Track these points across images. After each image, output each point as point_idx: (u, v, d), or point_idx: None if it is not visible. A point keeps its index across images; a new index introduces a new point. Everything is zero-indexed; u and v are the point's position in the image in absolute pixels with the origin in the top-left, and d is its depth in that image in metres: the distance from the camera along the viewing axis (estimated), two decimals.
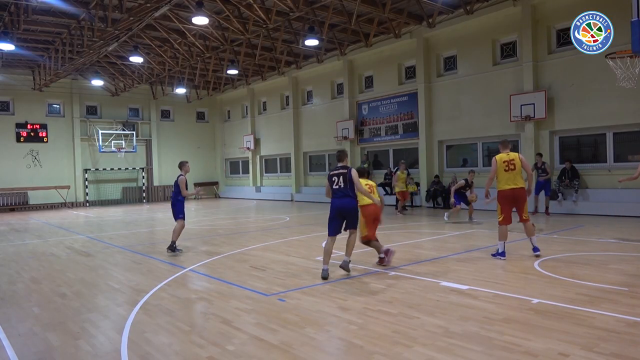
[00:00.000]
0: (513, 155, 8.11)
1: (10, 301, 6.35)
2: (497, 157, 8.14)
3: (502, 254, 7.98)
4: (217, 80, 28.34)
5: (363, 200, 7.46)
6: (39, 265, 8.86)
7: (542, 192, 14.50)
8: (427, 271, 7.21)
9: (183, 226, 9.89)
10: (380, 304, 5.56)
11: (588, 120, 14.68)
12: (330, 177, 7.18)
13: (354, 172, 7.07)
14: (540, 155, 14.89)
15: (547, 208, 14.44)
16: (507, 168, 8.00)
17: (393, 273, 7.17)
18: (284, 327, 4.86)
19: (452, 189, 13.74)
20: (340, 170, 7.11)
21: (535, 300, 5.46)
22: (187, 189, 9.86)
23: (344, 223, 7.13)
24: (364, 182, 7.39)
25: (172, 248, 9.64)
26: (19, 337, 4.87)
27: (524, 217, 7.98)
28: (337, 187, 7.04)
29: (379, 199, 7.55)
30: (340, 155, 7.35)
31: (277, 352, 4.23)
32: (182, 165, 10.02)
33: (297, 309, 5.49)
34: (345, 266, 7.14)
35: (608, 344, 4.14)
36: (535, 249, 8.00)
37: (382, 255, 7.69)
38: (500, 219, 8.00)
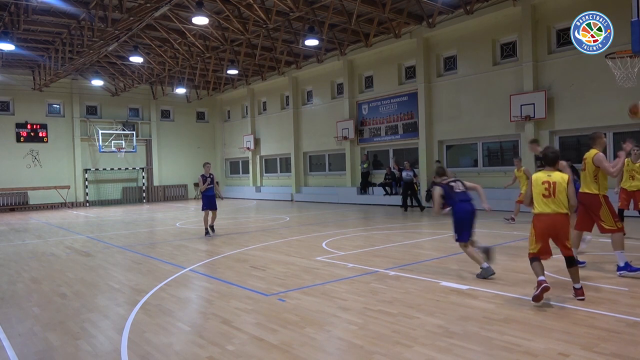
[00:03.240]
0: None
1: (10, 301, 6.35)
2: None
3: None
4: (217, 80, 28.33)
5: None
6: (39, 265, 8.86)
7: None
8: (427, 271, 7.21)
9: (206, 215, 12.13)
10: (380, 304, 5.56)
11: (588, 120, 14.67)
12: None
13: None
14: None
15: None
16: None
17: (393, 273, 7.17)
18: (284, 327, 4.86)
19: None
20: None
21: None
22: (205, 184, 12.35)
23: None
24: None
25: (207, 232, 12.15)
26: (19, 337, 4.87)
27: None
28: None
29: None
30: None
31: (277, 352, 4.23)
32: (203, 165, 12.90)
33: (297, 309, 5.49)
34: None
35: (608, 344, 4.14)
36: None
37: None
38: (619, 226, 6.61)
